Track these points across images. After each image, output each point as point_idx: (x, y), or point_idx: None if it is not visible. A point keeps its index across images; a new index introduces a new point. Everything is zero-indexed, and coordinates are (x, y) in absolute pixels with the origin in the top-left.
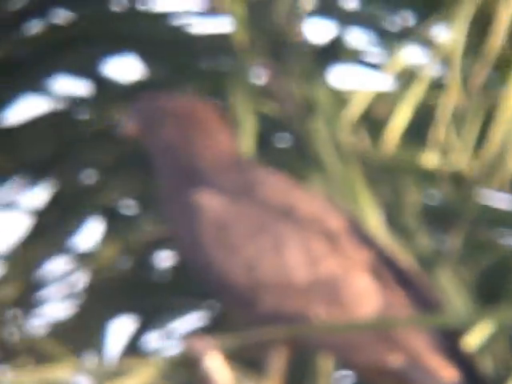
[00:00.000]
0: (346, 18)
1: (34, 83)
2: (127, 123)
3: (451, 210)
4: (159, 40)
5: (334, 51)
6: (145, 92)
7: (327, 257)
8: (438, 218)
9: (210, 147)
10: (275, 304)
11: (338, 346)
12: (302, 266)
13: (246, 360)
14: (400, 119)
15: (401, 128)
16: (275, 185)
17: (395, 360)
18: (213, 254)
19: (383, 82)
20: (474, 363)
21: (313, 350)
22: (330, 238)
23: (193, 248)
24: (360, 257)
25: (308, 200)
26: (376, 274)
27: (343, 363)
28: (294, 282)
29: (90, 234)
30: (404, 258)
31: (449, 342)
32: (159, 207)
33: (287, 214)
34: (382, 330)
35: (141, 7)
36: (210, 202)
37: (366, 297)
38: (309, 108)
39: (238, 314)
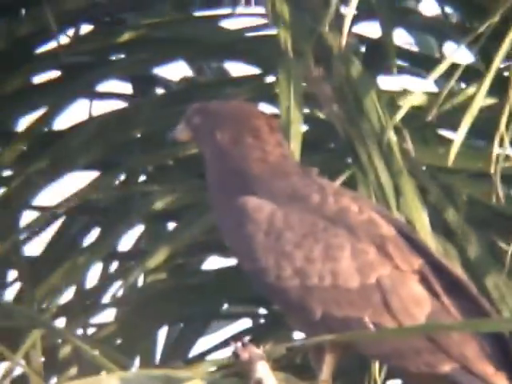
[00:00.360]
0: (395, 18)
1: (88, 87)
2: (182, 128)
3: (503, 213)
4: (209, 44)
5: (383, 52)
6: (198, 98)
7: (378, 263)
8: (491, 222)
9: (261, 153)
10: (326, 309)
11: (389, 353)
12: (353, 272)
13: (295, 367)
14: (463, 130)
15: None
16: (326, 191)
17: (446, 367)
18: (264, 258)
19: (429, 83)
20: None
21: (363, 356)
22: (382, 244)
23: (245, 253)
24: (411, 264)
25: (359, 206)
26: (426, 281)
27: (394, 370)
28: (345, 288)
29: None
30: (453, 265)
31: (499, 348)
32: (210, 211)
33: (338, 220)
34: (432, 336)
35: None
36: (260, 207)
37: (416, 304)
38: (357, 111)
39: (290, 318)
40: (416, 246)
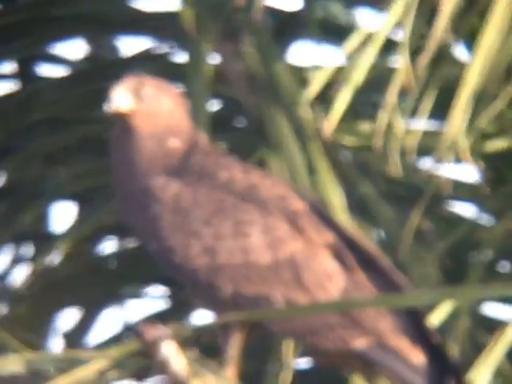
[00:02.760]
0: None
1: None
2: (126, 97)
3: (413, 186)
4: (109, 20)
5: (293, 26)
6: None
7: (289, 239)
8: (401, 195)
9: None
10: (236, 287)
11: (301, 330)
12: (263, 248)
13: (202, 346)
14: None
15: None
16: (234, 168)
17: (360, 343)
18: (172, 237)
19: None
20: (439, 343)
21: (274, 334)
22: (292, 220)
23: (151, 233)
24: (322, 239)
25: (268, 182)
26: (338, 255)
27: (306, 347)
28: (255, 265)
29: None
30: (366, 239)
31: (414, 322)
32: (113, 192)
33: (247, 197)
34: (345, 312)
35: None
36: (165, 186)
37: (329, 279)
38: (267, 87)
39: (199, 298)
40: (328, 222)
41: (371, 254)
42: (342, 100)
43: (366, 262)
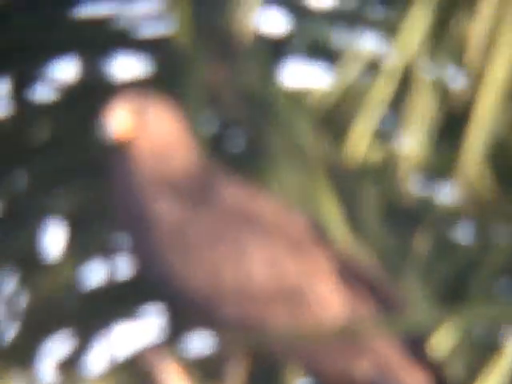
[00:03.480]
0: (301, 10)
1: None
2: (126, 120)
3: (416, 210)
4: (104, 44)
5: (289, 46)
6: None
7: (290, 263)
8: (402, 219)
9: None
10: (237, 312)
11: (303, 355)
12: (263, 273)
13: (205, 371)
14: (365, 121)
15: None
16: (234, 191)
17: (362, 367)
18: (171, 262)
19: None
20: (441, 367)
21: (276, 359)
22: (292, 244)
23: (151, 257)
24: (323, 263)
25: (268, 206)
26: (339, 279)
27: (308, 372)
28: (256, 290)
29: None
30: (367, 262)
31: (415, 346)
32: (108, 216)
33: (247, 221)
34: (346, 336)
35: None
36: (165, 210)
37: (330, 303)
38: (263, 108)
39: (198, 323)
40: (328, 245)
41: (372, 277)
42: (363, 125)
43: (367, 286)
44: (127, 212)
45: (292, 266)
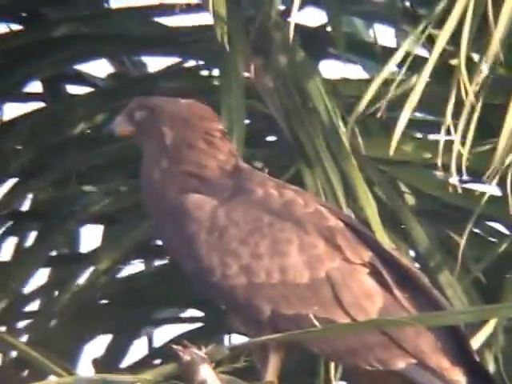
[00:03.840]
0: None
1: (15, 87)
2: (122, 121)
3: (453, 207)
4: (141, 37)
5: (326, 40)
6: (132, 94)
7: (327, 257)
8: (439, 215)
9: (215, 161)
10: (274, 307)
11: (341, 351)
12: (301, 267)
13: (238, 369)
14: (406, 115)
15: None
16: (269, 185)
17: (400, 363)
18: (208, 257)
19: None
20: (478, 361)
21: (313, 354)
22: (329, 237)
23: (187, 253)
24: (359, 256)
25: (302, 199)
26: (377, 274)
27: (345, 368)
28: (295, 284)
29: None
30: (403, 256)
31: (454, 341)
32: (145, 211)
33: (284, 214)
34: (384, 332)
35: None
36: (201, 204)
37: (368, 298)
38: (301, 102)
39: (236, 318)
40: (364, 239)
41: (409, 271)
42: (404, 119)
43: (404, 280)
44: (157, 206)
45: (329, 260)
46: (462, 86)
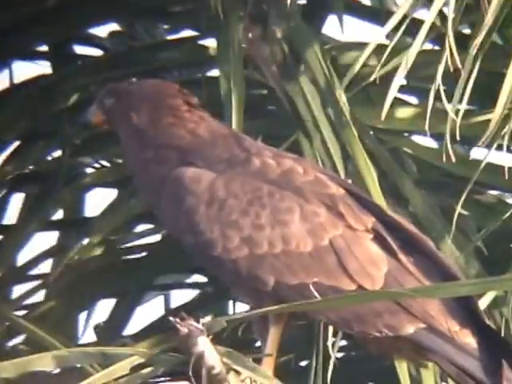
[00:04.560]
0: None
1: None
2: (94, 110)
3: (453, 173)
4: (141, 5)
5: (323, 5)
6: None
7: (330, 225)
8: (443, 184)
9: (184, 130)
10: (278, 277)
11: (349, 319)
12: (305, 235)
13: (237, 340)
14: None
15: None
16: (265, 154)
17: (409, 328)
18: (209, 230)
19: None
20: (487, 323)
21: (321, 323)
22: (332, 204)
23: (186, 226)
24: (364, 222)
25: (303, 167)
26: (381, 239)
27: (354, 336)
28: (298, 253)
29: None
30: (406, 221)
31: (464, 304)
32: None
33: (283, 183)
34: (391, 299)
35: None
36: (198, 176)
37: (374, 264)
38: (297, 68)
39: (239, 290)
40: (366, 205)
41: (414, 236)
42: (396, 85)
43: (409, 245)
44: (148, 178)
45: (333, 227)
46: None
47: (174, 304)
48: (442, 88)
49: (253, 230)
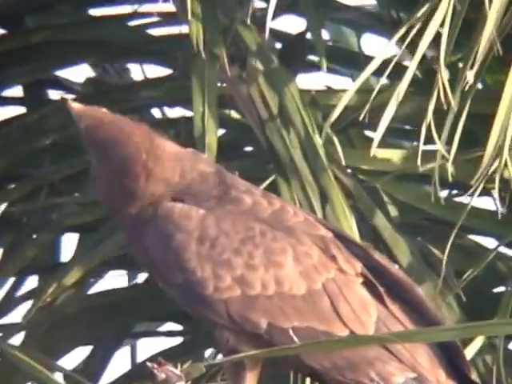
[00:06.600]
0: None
1: None
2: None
3: (437, 218)
4: (116, 45)
5: (302, 49)
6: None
7: (323, 268)
8: (423, 228)
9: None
10: (271, 319)
11: (341, 365)
12: (297, 278)
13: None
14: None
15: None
16: (255, 193)
17: (399, 378)
18: (199, 269)
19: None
20: (471, 374)
21: (313, 369)
22: (323, 247)
23: (174, 265)
24: (354, 267)
25: (293, 209)
26: (370, 284)
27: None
28: (290, 295)
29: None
30: (392, 265)
31: (449, 355)
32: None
33: (276, 223)
34: (378, 345)
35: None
36: (188, 213)
37: (365, 309)
38: (276, 112)
39: (225, 332)
40: (353, 248)
41: (400, 282)
42: (382, 127)
43: (395, 290)
44: (130, 217)
45: (324, 269)
46: (441, 91)
47: (148, 352)
48: (433, 129)
49: (245, 269)
